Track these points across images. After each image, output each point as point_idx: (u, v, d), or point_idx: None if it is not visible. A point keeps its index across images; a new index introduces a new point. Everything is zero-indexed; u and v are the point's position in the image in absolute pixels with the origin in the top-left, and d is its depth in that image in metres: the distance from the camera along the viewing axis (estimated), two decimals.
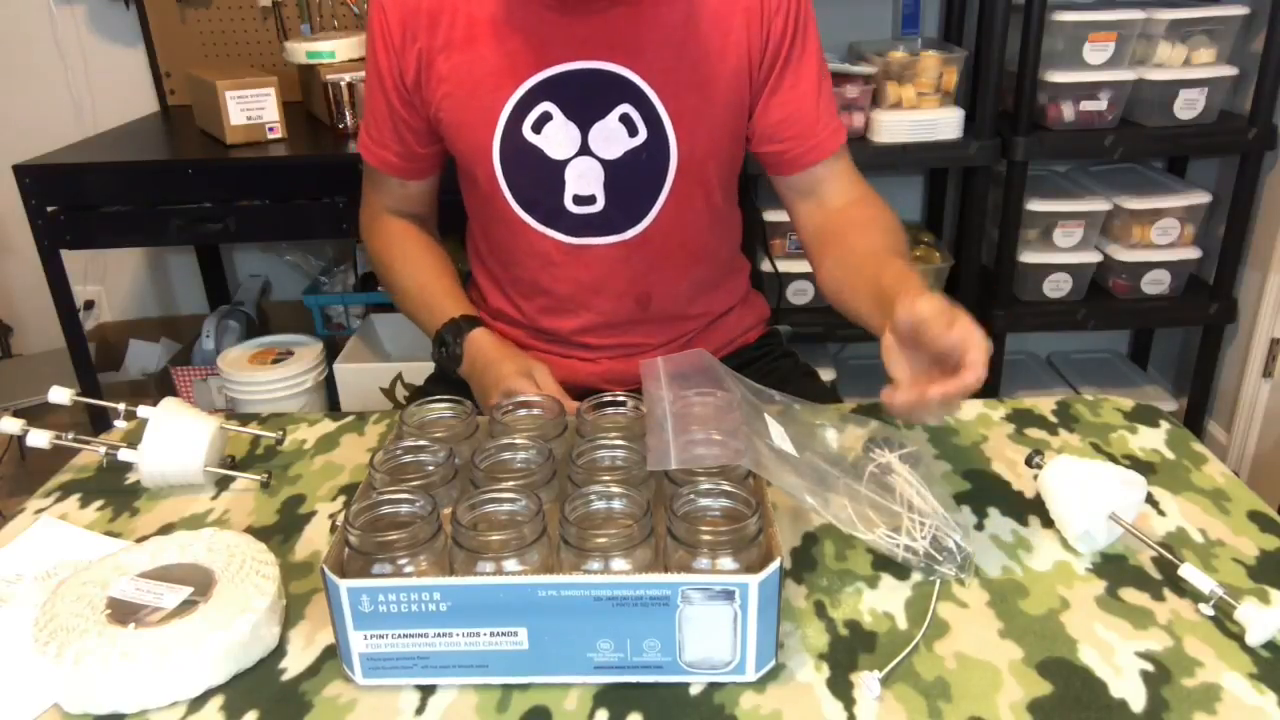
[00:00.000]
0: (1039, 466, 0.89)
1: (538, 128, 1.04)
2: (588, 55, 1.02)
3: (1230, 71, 1.99)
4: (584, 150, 1.05)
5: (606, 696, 0.70)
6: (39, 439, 0.96)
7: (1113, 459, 0.99)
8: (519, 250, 1.13)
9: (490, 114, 1.04)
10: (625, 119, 1.04)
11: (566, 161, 1.06)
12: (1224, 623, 0.75)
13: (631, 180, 1.07)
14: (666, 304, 1.16)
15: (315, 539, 0.89)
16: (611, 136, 1.05)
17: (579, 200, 1.07)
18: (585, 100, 1.04)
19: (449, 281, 1.17)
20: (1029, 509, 0.91)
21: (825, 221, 1.12)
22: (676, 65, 1.03)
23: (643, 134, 1.05)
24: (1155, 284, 2.17)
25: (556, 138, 1.05)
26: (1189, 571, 0.78)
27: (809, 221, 1.14)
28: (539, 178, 1.07)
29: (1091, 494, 0.83)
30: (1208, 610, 0.76)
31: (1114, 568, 0.82)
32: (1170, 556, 0.80)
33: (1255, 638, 0.72)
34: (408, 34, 1.05)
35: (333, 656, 0.74)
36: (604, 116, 1.04)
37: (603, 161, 1.05)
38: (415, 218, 1.21)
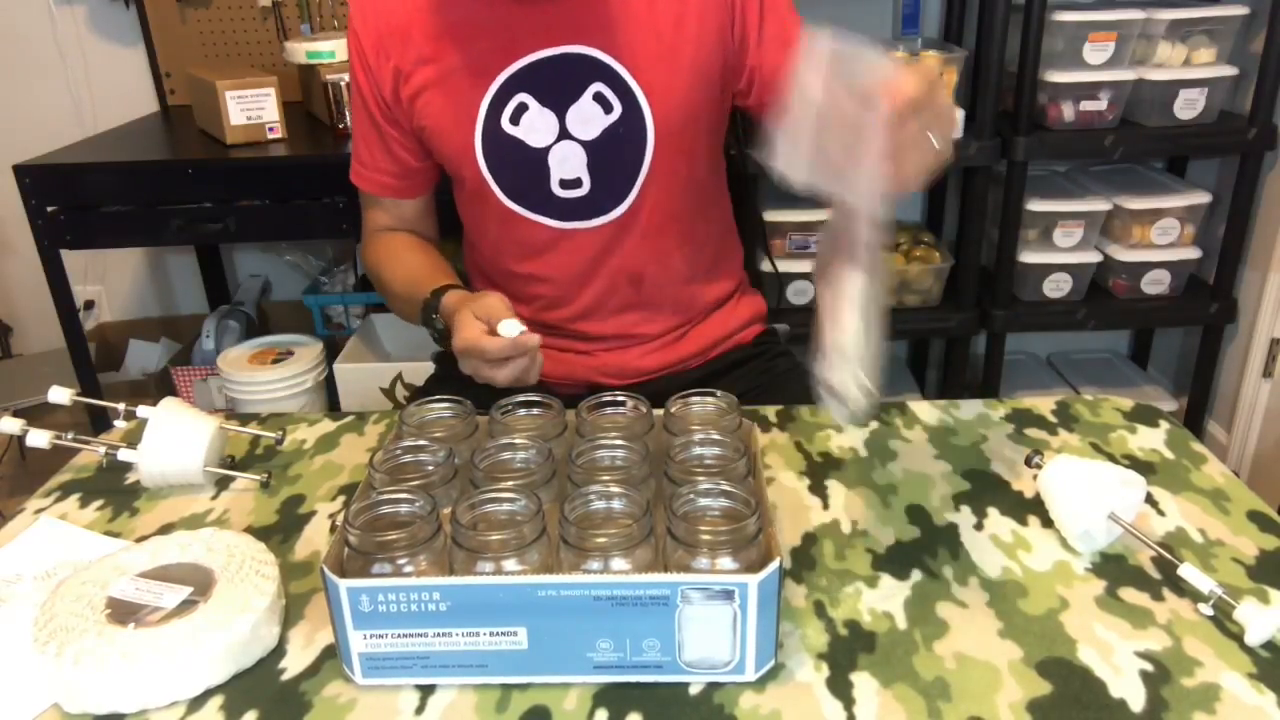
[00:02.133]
0: (1039, 466, 0.89)
1: (515, 119, 1.06)
2: (554, 41, 1.04)
3: (1230, 71, 1.99)
4: (563, 135, 1.07)
5: (606, 696, 0.70)
6: (39, 439, 0.96)
7: (1113, 459, 0.99)
8: (512, 242, 1.14)
9: (468, 114, 1.06)
10: (599, 97, 1.06)
11: (548, 149, 1.07)
12: (1224, 623, 0.75)
13: (613, 158, 1.08)
14: (661, 283, 1.17)
15: (315, 539, 0.89)
16: (587, 117, 1.06)
17: (565, 184, 1.09)
18: (558, 85, 1.06)
19: (435, 267, 1.12)
20: (1029, 509, 0.91)
21: None
22: (641, 37, 1.05)
23: (617, 109, 1.06)
24: (1155, 284, 2.17)
25: (535, 126, 1.07)
26: (1188, 571, 0.78)
27: None
28: (524, 168, 1.08)
29: (1091, 494, 0.83)
30: (1207, 610, 0.76)
31: (1114, 568, 0.82)
32: (1170, 556, 0.80)
33: (1254, 637, 0.72)
34: (382, 53, 1.07)
35: (332, 656, 0.74)
36: (578, 98, 1.06)
37: (582, 143, 1.07)
38: (414, 234, 1.21)
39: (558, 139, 1.07)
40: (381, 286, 1.19)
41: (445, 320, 1.02)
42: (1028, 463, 0.91)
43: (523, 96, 1.05)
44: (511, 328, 0.91)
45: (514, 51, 1.04)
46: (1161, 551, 0.81)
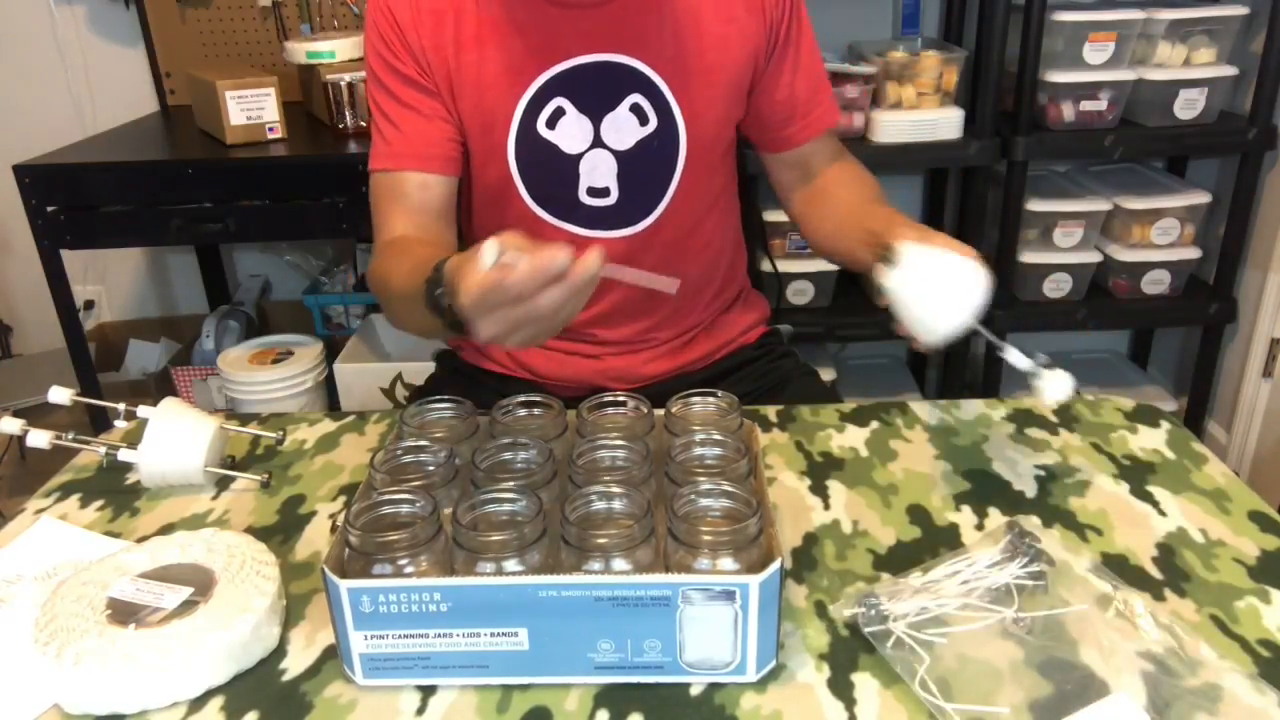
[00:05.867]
0: (891, 264, 0.85)
1: (552, 123, 1.05)
2: (596, 48, 1.03)
3: (1230, 71, 1.99)
4: (597, 143, 1.06)
5: (607, 697, 0.70)
6: (39, 439, 0.96)
7: (1113, 459, 0.99)
8: None
9: (504, 113, 1.05)
10: (636, 109, 1.05)
11: (580, 155, 1.07)
12: (1225, 623, 0.75)
13: (643, 171, 1.08)
14: (676, 293, 1.16)
15: (315, 539, 0.89)
16: (622, 127, 1.06)
17: (593, 193, 1.08)
18: (596, 93, 1.05)
19: (445, 253, 0.88)
20: (1029, 509, 0.90)
21: (809, 186, 1.18)
22: (682, 52, 1.05)
23: (653, 123, 1.06)
24: (1155, 284, 2.17)
25: (570, 132, 1.06)
26: (1011, 353, 0.82)
27: (795, 189, 1.19)
28: (554, 173, 1.07)
29: (954, 291, 0.82)
30: (1036, 380, 0.82)
31: (1115, 568, 0.82)
32: (996, 341, 0.82)
33: (1051, 398, 0.78)
34: (419, 27, 1.04)
35: (333, 657, 0.74)
36: (615, 108, 1.05)
37: (615, 153, 1.07)
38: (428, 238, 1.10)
39: (591, 146, 1.06)
40: (386, 293, 1.01)
41: (450, 292, 0.80)
42: (882, 261, 0.86)
43: (561, 101, 1.04)
44: (490, 252, 0.70)
45: (555, 54, 1.03)
46: (994, 339, 0.85)
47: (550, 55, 1.03)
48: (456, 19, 1.03)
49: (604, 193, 1.08)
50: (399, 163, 1.06)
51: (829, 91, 1.15)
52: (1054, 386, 0.81)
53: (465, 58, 1.04)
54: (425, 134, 1.06)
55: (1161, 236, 2.13)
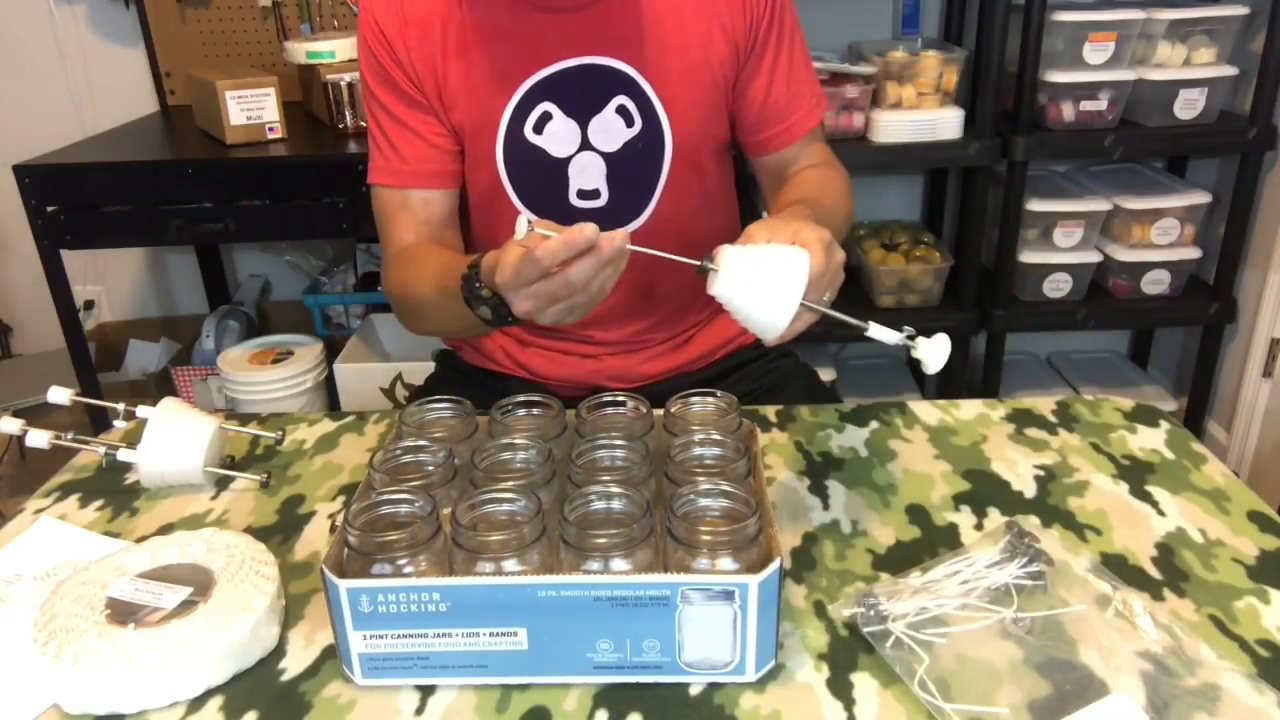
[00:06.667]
0: (711, 270, 0.81)
1: (539, 128, 1.05)
2: (580, 52, 1.03)
3: (1230, 71, 1.99)
4: (584, 146, 1.06)
5: (606, 697, 0.70)
6: (38, 439, 0.96)
7: (1113, 459, 0.99)
8: None
9: (491, 119, 1.05)
10: (622, 110, 1.05)
11: (569, 159, 1.06)
12: (1224, 623, 0.75)
13: (631, 171, 1.08)
14: (671, 293, 1.16)
15: (315, 539, 0.89)
16: (610, 129, 1.06)
17: (583, 195, 1.08)
18: (582, 96, 1.05)
19: (457, 256, 1.00)
20: (1029, 509, 0.91)
21: (782, 188, 1.15)
22: (665, 53, 1.04)
23: (639, 124, 1.06)
24: (1155, 284, 2.17)
25: (558, 136, 1.05)
26: (876, 330, 0.80)
27: (772, 193, 1.18)
28: (543, 177, 1.07)
29: (770, 284, 0.78)
30: (914, 351, 0.80)
31: (1114, 568, 0.82)
32: (857, 322, 0.81)
33: (935, 365, 0.78)
34: (406, 40, 1.04)
35: (332, 656, 0.74)
36: (601, 110, 1.05)
37: (603, 155, 1.06)
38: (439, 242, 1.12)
39: (579, 149, 1.06)
40: (409, 299, 1.05)
41: (488, 280, 0.85)
42: (700, 272, 0.82)
43: (547, 105, 1.04)
44: (522, 225, 0.76)
45: (540, 59, 1.03)
46: (847, 319, 0.80)
47: (535, 60, 1.03)
48: (443, 28, 1.03)
49: (594, 194, 1.08)
50: (399, 180, 1.09)
51: (809, 97, 1.13)
52: (934, 353, 0.79)
53: (452, 66, 1.04)
54: (421, 153, 1.08)
55: (1161, 236, 2.13)
